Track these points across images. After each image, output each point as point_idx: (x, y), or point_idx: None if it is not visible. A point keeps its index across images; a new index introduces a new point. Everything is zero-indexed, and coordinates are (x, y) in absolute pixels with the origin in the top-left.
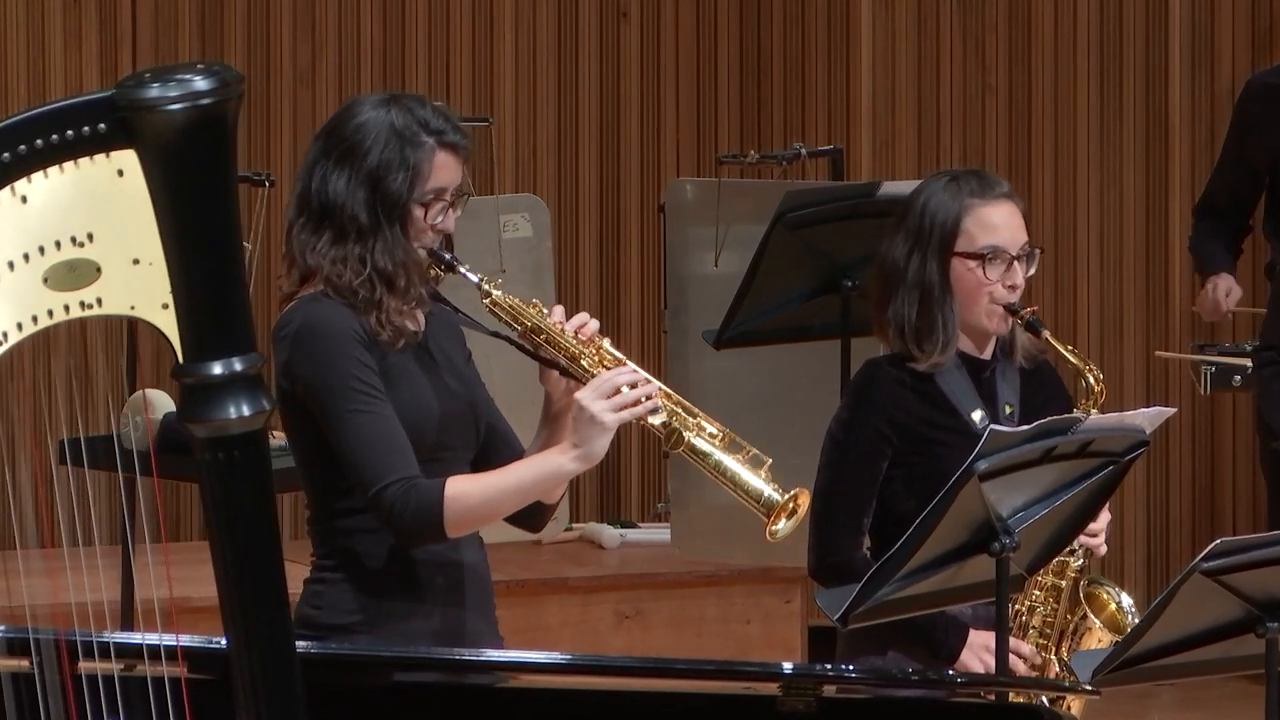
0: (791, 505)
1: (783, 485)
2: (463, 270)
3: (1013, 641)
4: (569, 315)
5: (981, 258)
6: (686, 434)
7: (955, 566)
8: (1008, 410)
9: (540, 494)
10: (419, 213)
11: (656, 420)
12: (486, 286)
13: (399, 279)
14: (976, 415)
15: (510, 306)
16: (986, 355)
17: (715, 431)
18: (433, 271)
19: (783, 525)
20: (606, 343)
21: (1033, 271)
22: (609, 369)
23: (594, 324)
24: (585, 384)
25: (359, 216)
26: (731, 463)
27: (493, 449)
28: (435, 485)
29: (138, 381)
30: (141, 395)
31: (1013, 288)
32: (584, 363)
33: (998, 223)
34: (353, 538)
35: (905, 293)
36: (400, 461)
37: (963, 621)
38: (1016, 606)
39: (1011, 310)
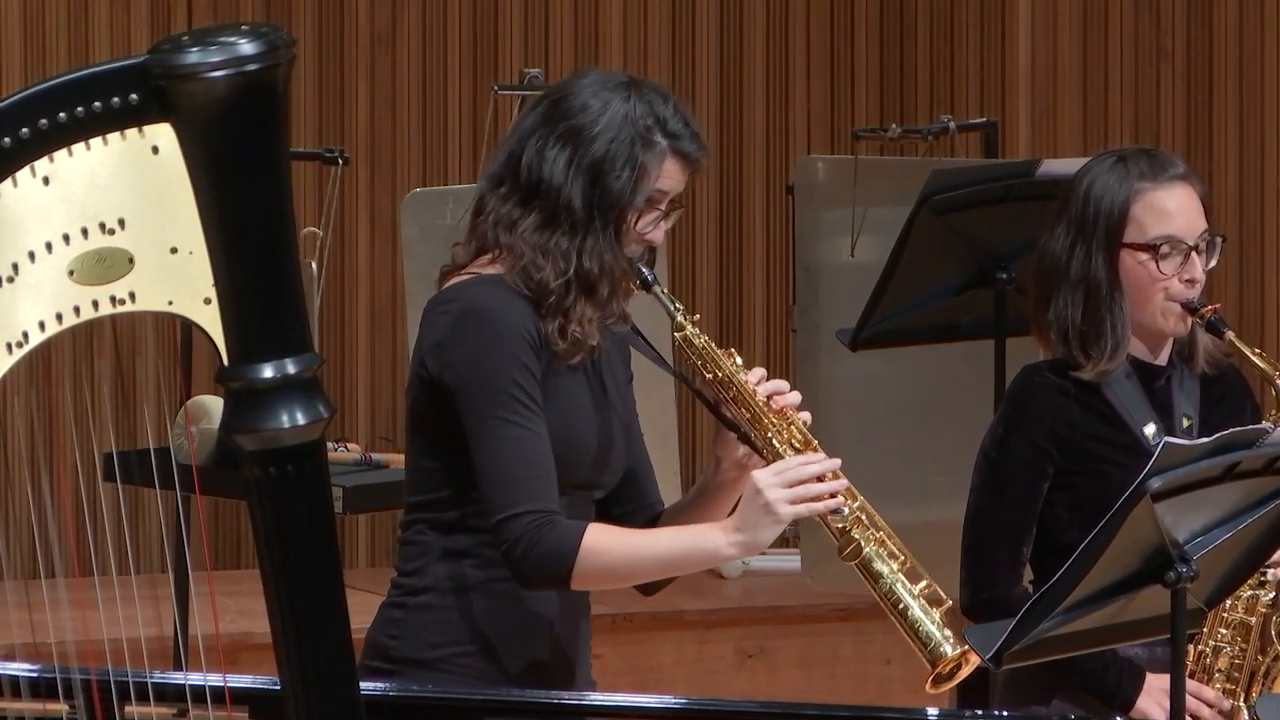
0: (959, 661)
1: (956, 634)
2: (659, 293)
3: (1196, 686)
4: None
5: (1154, 249)
6: (866, 548)
7: (1124, 599)
8: (1185, 423)
9: (685, 571)
10: (631, 218)
11: (835, 524)
12: (682, 319)
13: (602, 287)
14: (1149, 429)
15: (702, 348)
16: (1161, 361)
17: (896, 552)
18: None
19: (943, 676)
20: (801, 420)
21: (1214, 263)
22: (797, 450)
23: (794, 396)
24: (766, 460)
25: (574, 205)
26: (907, 595)
27: (621, 493)
28: (574, 530)
29: (192, 388)
30: (196, 403)
31: (1191, 282)
32: (770, 436)
33: (1172, 209)
34: (448, 560)
35: (1068, 291)
36: (542, 490)
37: (1138, 665)
38: (1200, 647)
39: (1190, 309)
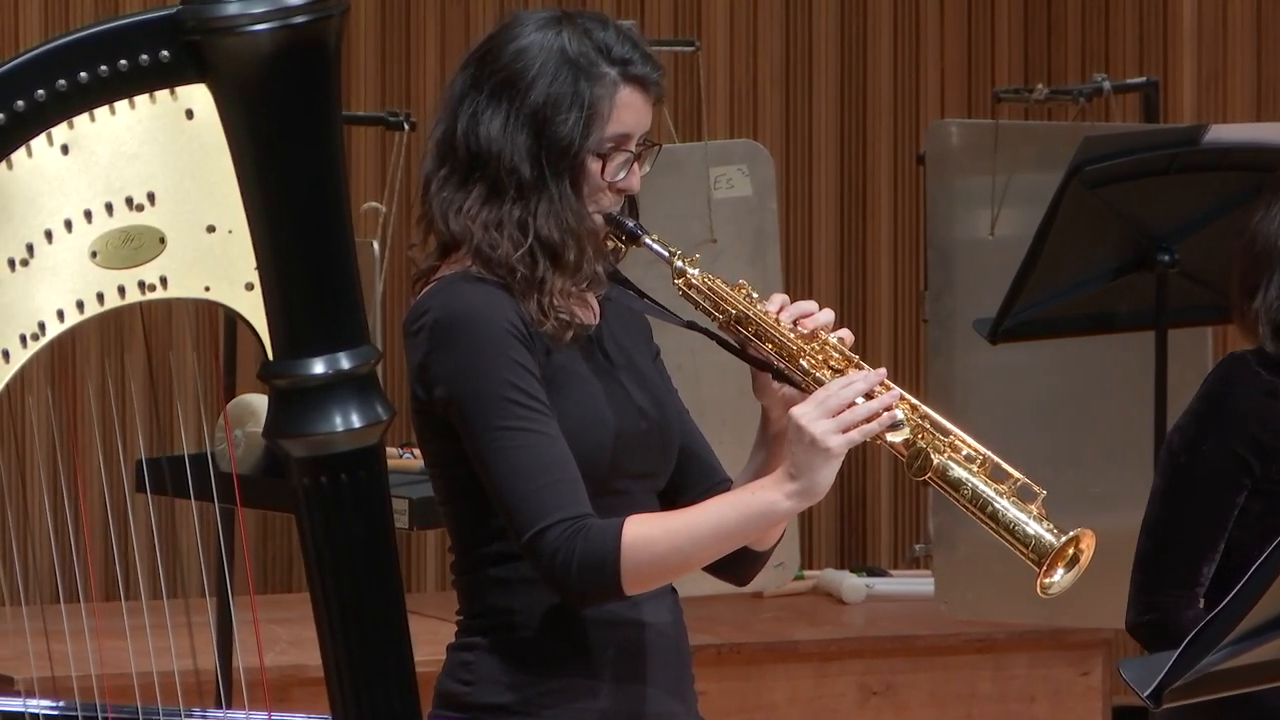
0: (1071, 551)
1: (1059, 524)
2: (649, 242)
3: None
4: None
5: None
6: (936, 456)
7: None
8: None
9: (747, 540)
10: (595, 166)
11: (897, 438)
12: (680, 264)
13: (568, 251)
14: None
15: (710, 290)
16: None
17: (973, 453)
18: (610, 244)
19: (1058, 578)
20: (835, 337)
21: None
22: (837, 373)
23: (824, 315)
24: (807, 391)
25: (519, 168)
26: (994, 495)
27: (686, 478)
28: (610, 527)
29: (236, 385)
30: (239, 403)
31: None
32: (804, 363)
33: None
34: (510, 592)
35: None
36: (566, 495)
37: None
38: None
39: None
